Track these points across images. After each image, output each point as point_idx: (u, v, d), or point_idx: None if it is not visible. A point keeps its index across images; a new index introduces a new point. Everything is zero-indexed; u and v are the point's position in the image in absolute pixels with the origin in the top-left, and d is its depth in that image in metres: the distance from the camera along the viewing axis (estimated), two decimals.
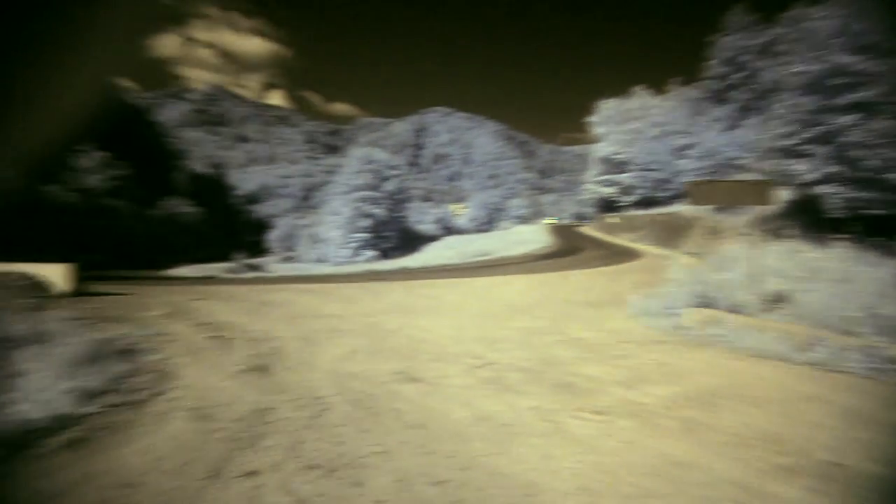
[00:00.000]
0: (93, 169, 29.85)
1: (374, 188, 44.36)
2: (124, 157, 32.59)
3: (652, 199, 33.64)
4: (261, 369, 4.71)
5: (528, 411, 3.72)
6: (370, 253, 42.16)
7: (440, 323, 7.53)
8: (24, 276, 8.91)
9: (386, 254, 41.49)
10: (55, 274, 9.55)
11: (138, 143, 41.28)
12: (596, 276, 14.76)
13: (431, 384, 4.44)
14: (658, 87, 40.81)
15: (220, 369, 4.67)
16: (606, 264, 18.09)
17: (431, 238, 52.19)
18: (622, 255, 22.03)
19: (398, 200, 47.93)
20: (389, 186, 45.97)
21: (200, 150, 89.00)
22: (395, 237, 45.65)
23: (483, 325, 7.40)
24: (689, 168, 31.06)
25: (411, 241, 47.76)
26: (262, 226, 64.61)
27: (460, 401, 3.96)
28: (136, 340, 5.73)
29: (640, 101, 37.62)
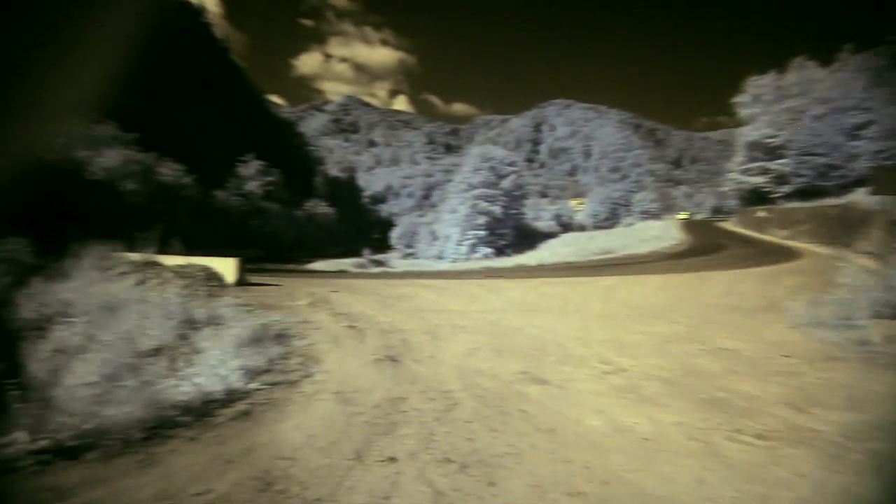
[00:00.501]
0: (252, 176, 34.75)
1: (490, 185, 44.62)
2: (276, 165, 37.38)
3: (814, 189, 28.46)
4: (392, 359, 4.97)
5: (673, 427, 3.35)
6: (486, 250, 42.53)
7: (563, 323, 7.24)
8: (203, 268, 10.66)
9: (502, 251, 41.52)
10: (225, 266, 11.26)
11: (286, 152, 47.10)
12: (743, 277, 12.95)
13: (559, 387, 4.25)
14: (824, 56, 34.40)
15: (358, 357, 5.03)
16: (756, 265, 15.76)
17: (548, 235, 50.91)
18: (775, 254, 19.01)
19: (515, 197, 47.57)
20: (506, 183, 45.84)
21: (335, 155, 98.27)
22: (511, 234, 45.42)
23: (610, 327, 6.93)
24: (865, 151, 25.66)
25: (527, 238, 47.12)
26: (386, 224, 69.23)
27: (592, 408, 3.72)
28: (287, 326, 6.47)
29: (801, 75, 32.02)
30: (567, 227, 61.70)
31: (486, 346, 5.75)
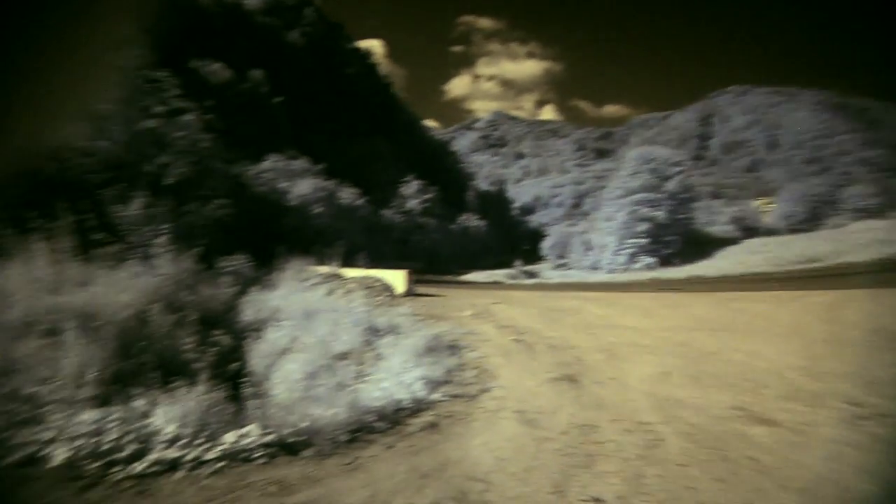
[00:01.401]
0: (412, 195, 37.67)
1: (652, 189, 40.72)
2: (432, 184, 39.97)
3: None
4: (570, 380, 4.60)
5: None
6: (648, 259, 38.77)
7: (775, 348, 5.93)
8: (377, 279, 11.70)
9: (667, 260, 37.36)
10: (395, 278, 12.18)
11: (441, 171, 50.14)
12: None
13: (792, 431, 3.37)
14: None
15: (532, 374, 4.79)
16: None
17: (726, 241, 44.20)
18: None
19: (682, 200, 42.54)
20: (671, 185, 41.32)
21: (484, 170, 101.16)
22: (677, 242, 40.64)
23: (848, 356, 5.43)
24: None
25: (698, 245, 41.59)
26: (536, 234, 68.42)
27: (853, 465, 2.82)
28: (457, 337, 6.57)
29: None
30: (751, 231, 52.69)
31: (678, 370, 4.97)
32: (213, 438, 2.75)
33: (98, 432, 2.64)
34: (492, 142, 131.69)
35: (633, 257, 40.96)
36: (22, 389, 3.32)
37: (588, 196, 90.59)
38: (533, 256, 54.61)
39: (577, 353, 5.76)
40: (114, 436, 2.63)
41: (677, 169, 44.98)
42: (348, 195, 27.92)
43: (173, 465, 2.54)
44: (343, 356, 6.30)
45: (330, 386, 5.54)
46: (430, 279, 21.01)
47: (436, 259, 36.26)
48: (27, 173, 13.07)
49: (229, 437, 2.75)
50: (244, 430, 2.83)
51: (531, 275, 38.21)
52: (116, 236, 12.10)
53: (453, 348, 5.82)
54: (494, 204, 63.42)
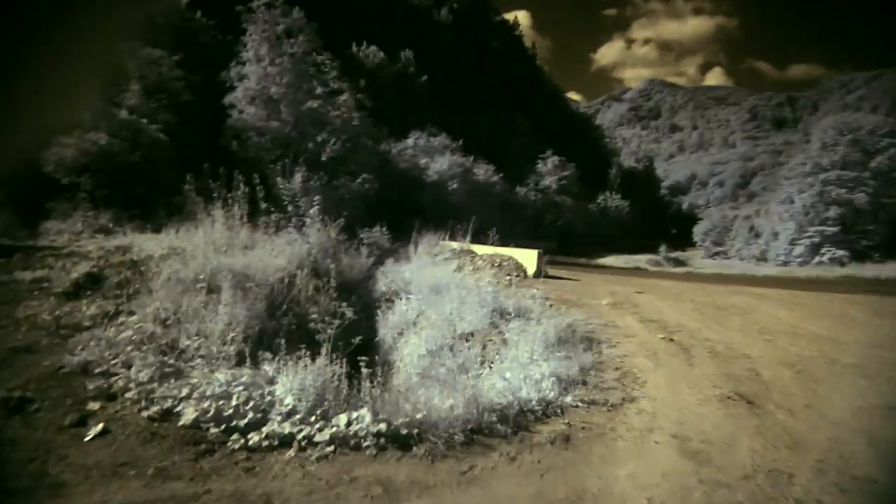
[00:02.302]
0: (548, 172, 36.08)
1: (852, 166, 32.89)
2: (571, 160, 37.75)
3: None
4: (746, 400, 3.60)
5: None
6: (837, 252, 31.62)
7: None
8: (508, 258, 11.24)
9: (864, 254, 29.97)
10: (526, 257, 11.58)
11: (581, 146, 47.19)
12: None
13: None
14: None
15: (692, 386, 3.89)
16: None
17: None
18: None
19: (892, 181, 33.55)
20: (878, 162, 32.82)
21: (631, 146, 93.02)
22: (881, 232, 32.29)
23: None
24: None
25: None
26: (686, 217, 60.90)
27: None
28: (593, 329, 5.81)
29: None
30: None
31: None
32: (325, 417, 2.61)
33: (226, 395, 2.68)
34: (642, 113, 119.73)
35: (816, 248, 34.09)
36: (178, 342, 3.65)
37: (759, 174, 77.46)
38: (681, 242, 48.88)
39: (750, 365, 4.61)
40: (238, 400, 2.64)
41: (888, 141, 35.63)
42: (484, 171, 27.73)
43: (286, 440, 2.45)
44: (467, 336, 6.03)
45: (452, 367, 5.32)
46: (561, 261, 19.92)
47: (570, 240, 34.43)
48: (218, 150, 15.35)
49: (342, 419, 2.59)
50: (357, 414, 2.64)
51: (678, 262, 34.17)
52: (278, 206, 13.66)
53: (589, 342, 5.12)
54: (639, 182, 58.02)
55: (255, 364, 3.32)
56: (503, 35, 52.24)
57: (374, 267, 11.11)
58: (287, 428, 2.50)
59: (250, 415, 2.55)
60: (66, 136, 11.50)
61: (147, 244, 8.31)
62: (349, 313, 3.90)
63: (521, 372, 3.84)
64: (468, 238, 12.59)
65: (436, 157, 25.44)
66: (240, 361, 3.36)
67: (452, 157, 25.97)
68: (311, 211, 11.22)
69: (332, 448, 2.42)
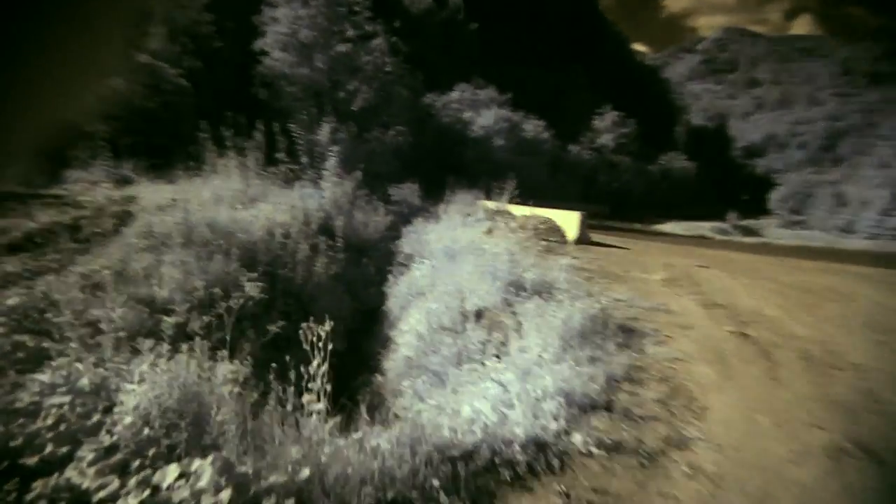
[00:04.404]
0: (607, 128, 33.09)
1: None
2: (633, 116, 34.36)
3: None
4: (869, 454, 2.26)
5: None
6: None
7: None
8: (545, 220, 9.84)
9: None
10: (566, 220, 10.12)
11: (646, 101, 42.98)
12: None
13: None
14: None
15: (780, 422, 2.56)
16: None
17: None
18: None
19: None
20: None
21: (702, 102, 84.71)
22: None
23: None
24: None
25: None
26: (761, 182, 55.02)
27: None
28: (636, 315, 4.50)
29: None
30: None
31: None
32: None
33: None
34: (717, 66, 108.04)
35: None
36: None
37: (848, 136, 68.31)
38: (753, 209, 44.24)
39: (865, 384, 3.18)
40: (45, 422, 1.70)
41: None
42: (533, 127, 25.56)
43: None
44: (477, 314, 4.91)
45: (448, 354, 4.23)
46: (614, 226, 18.05)
47: (626, 203, 31.72)
48: (247, 99, 14.61)
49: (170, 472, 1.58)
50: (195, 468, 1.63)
51: (750, 231, 30.81)
52: (300, 158, 12.82)
53: (629, 334, 3.83)
54: (709, 142, 52.79)
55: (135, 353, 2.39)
56: None
57: (395, 226, 10.12)
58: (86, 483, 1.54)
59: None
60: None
61: (154, 195, 7.76)
62: (249, 288, 2.86)
63: (518, 384, 2.68)
64: (506, 198, 11.24)
65: (482, 112, 23.61)
66: (117, 346, 2.45)
67: (500, 112, 24.00)
68: (329, 163, 10.28)
69: None
